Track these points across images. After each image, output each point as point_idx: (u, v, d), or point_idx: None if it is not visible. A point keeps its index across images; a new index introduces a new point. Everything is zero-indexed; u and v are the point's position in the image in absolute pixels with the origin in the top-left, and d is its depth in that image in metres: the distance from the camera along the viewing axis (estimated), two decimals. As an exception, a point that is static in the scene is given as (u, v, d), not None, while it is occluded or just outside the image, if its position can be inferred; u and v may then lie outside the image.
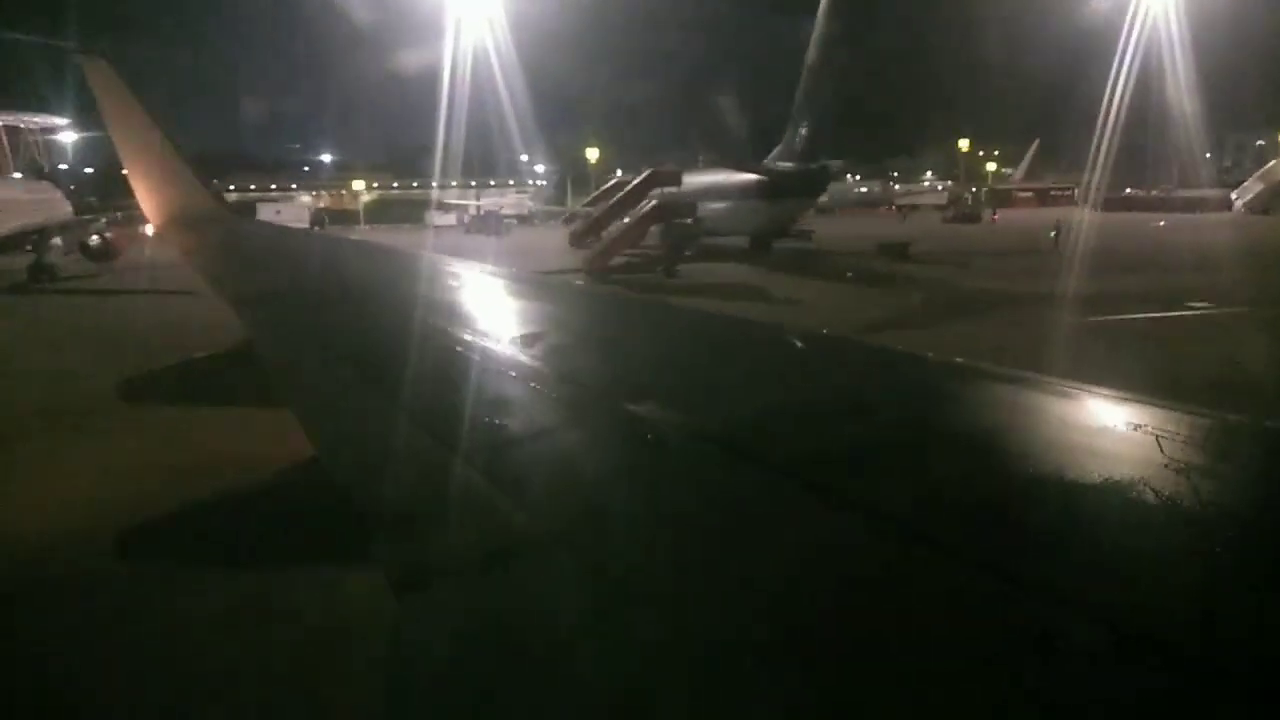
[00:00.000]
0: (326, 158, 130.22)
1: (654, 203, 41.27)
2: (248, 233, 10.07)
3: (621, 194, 44.40)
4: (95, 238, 40.86)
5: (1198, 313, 23.80)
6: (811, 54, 48.76)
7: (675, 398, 2.46)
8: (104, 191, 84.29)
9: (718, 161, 54.17)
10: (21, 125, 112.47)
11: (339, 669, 6.39)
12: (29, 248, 38.86)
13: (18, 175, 53.63)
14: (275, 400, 3.34)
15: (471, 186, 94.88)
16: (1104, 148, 70.04)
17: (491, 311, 4.47)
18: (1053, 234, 46.46)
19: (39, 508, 10.43)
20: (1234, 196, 77.23)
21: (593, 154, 77.62)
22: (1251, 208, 72.72)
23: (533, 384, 2.73)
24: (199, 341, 5.51)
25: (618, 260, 37.63)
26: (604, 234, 40.35)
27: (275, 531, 2.63)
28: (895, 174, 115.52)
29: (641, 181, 45.21)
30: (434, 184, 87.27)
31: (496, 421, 2.38)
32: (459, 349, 3.26)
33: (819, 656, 1.22)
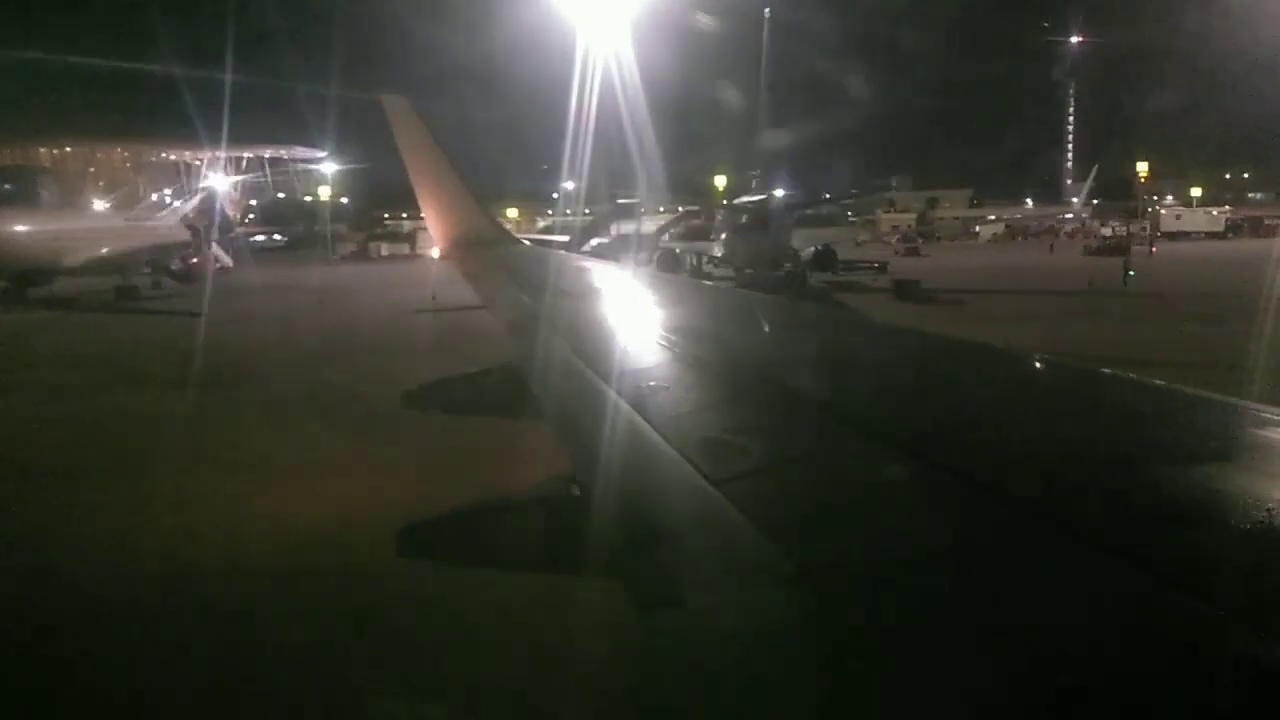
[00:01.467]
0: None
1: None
2: (518, 256, 10.67)
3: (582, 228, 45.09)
4: (178, 263, 47.10)
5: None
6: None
7: (941, 436, 2.37)
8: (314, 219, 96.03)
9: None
10: (284, 156, 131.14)
11: (567, 678, 6.79)
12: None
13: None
14: (537, 414, 3.63)
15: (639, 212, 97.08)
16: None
17: (748, 333, 4.71)
18: (1129, 272, 40.84)
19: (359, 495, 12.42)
20: None
21: (720, 181, 77.03)
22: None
23: (789, 409, 2.82)
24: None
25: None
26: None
27: (530, 539, 2.77)
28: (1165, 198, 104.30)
29: (600, 216, 45.86)
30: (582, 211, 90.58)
31: (746, 446, 2.44)
32: (706, 368, 3.46)
33: None
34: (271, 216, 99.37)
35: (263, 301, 42.07)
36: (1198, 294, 36.84)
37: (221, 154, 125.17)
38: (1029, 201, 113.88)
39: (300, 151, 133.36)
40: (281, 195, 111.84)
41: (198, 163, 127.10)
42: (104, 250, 44.40)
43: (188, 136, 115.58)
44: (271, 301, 42.16)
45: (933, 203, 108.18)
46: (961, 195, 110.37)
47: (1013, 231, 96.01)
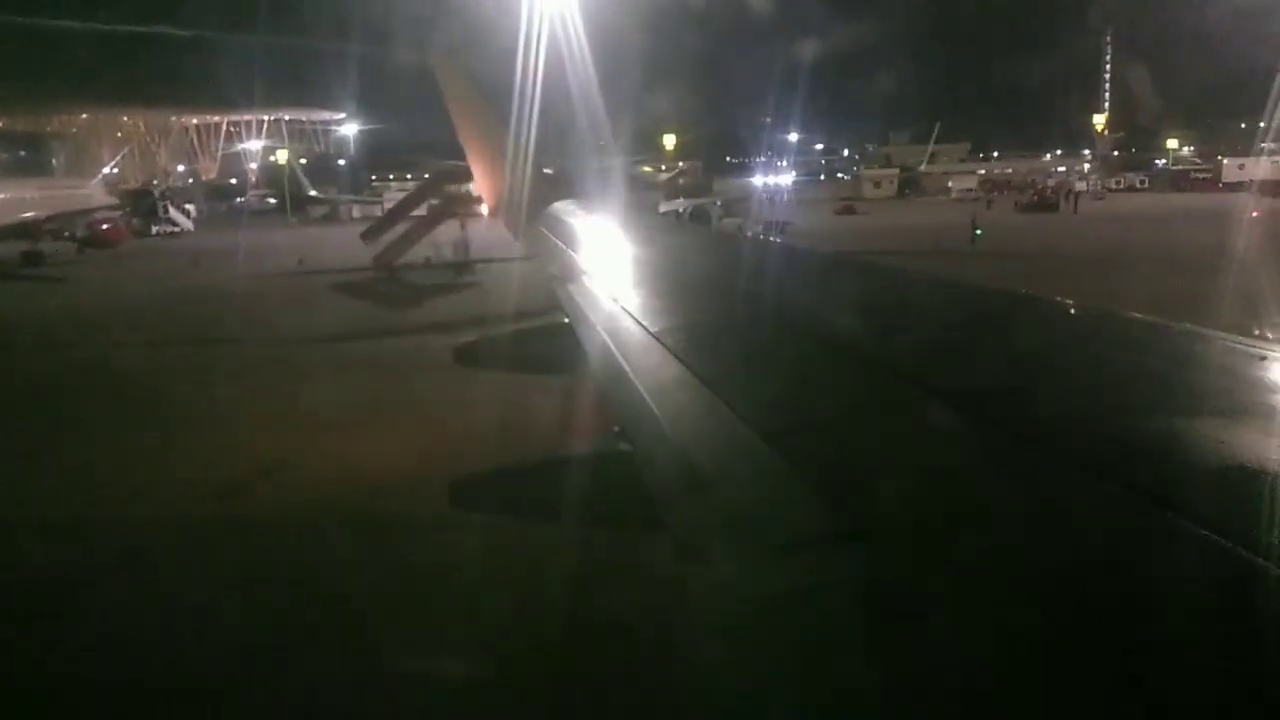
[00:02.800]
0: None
1: (434, 202, 41.54)
2: (563, 212, 10.47)
3: (407, 194, 45.01)
4: (83, 229, 49.66)
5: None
6: None
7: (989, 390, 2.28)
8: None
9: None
10: (304, 119, 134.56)
11: (609, 627, 7.02)
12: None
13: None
14: (585, 371, 3.53)
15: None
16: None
17: (794, 285, 4.64)
18: (977, 232, 40.26)
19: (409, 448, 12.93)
20: None
21: (669, 140, 76.51)
22: None
23: (838, 363, 2.75)
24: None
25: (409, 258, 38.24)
26: (392, 232, 40.95)
27: (579, 493, 2.71)
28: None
29: (427, 182, 45.73)
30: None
31: (795, 399, 2.40)
32: (754, 320, 3.45)
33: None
34: (269, 179, 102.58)
35: (153, 266, 44.40)
36: (1036, 256, 36.16)
37: (240, 117, 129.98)
38: (1050, 154, 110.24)
39: (319, 114, 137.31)
40: (272, 159, 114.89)
41: (229, 127, 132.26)
42: (20, 217, 46.78)
43: (205, 100, 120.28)
44: (160, 266, 44.26)
45: (931, 157, 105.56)
46: (959, 149, 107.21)
47: (987, 186, 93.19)
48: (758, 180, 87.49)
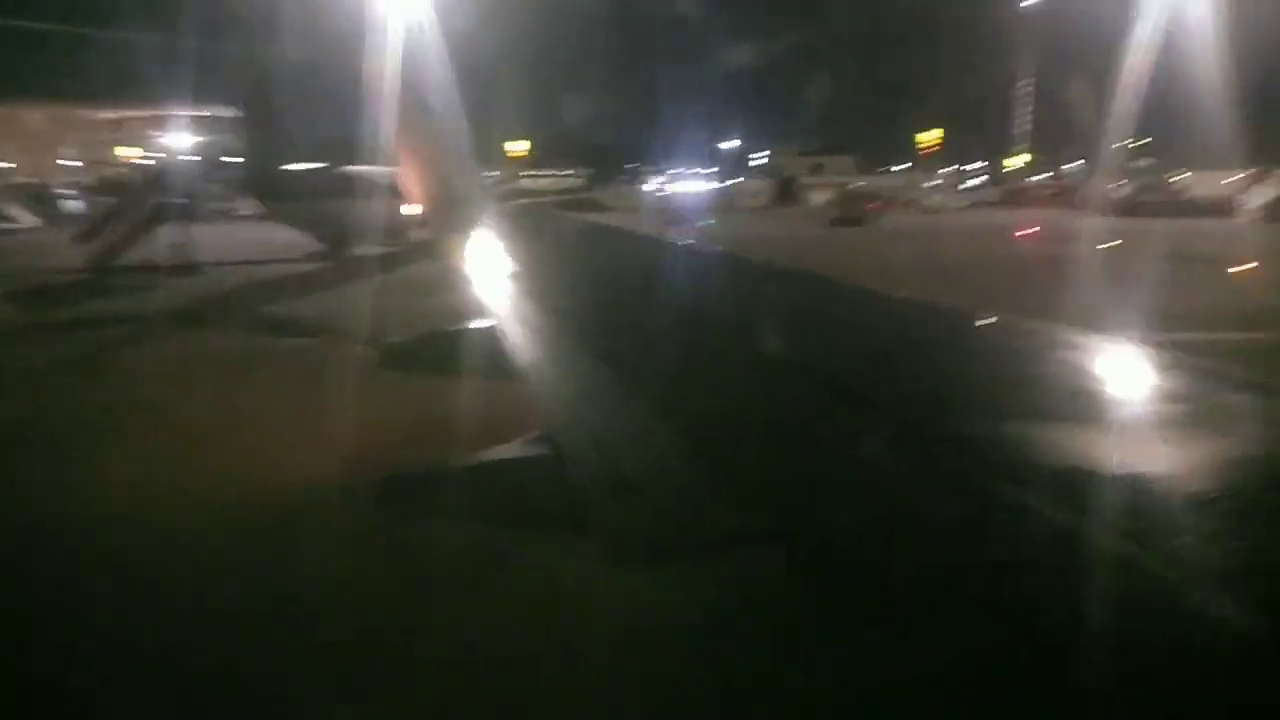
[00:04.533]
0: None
1: (154, 203, 41.49)
2: (499, 213, 10.43)
3: (125, 194, 44.75)
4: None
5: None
6: None
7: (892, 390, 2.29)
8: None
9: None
10: (208, 114, 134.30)
11: (532, 637, 6.98)
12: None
13: None
14: (516, 374, 3.51)
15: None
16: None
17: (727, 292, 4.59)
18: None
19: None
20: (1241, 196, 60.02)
21: (519, 147, 76.52)
22: (1273, 215, 55.96)
23: (767, 364, 2.72)
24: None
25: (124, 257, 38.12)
26: (108, 232, 40.82)
27: (500, 498, 2.72)
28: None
29: (146, 182, 45.71)
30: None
31: (724, 402, 2.42)
32: (679, 316, 3.48)
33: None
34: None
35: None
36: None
37: (150, 113, 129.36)
38: (953, 168, 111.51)
39: (225, 111, 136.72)
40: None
41: (141, 122, 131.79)
42: None
43: (99, 96, 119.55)
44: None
45: (817, 168, 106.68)
46: (844, 161, 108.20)
47: (841, 198, 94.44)
48: (648, 186, 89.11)
